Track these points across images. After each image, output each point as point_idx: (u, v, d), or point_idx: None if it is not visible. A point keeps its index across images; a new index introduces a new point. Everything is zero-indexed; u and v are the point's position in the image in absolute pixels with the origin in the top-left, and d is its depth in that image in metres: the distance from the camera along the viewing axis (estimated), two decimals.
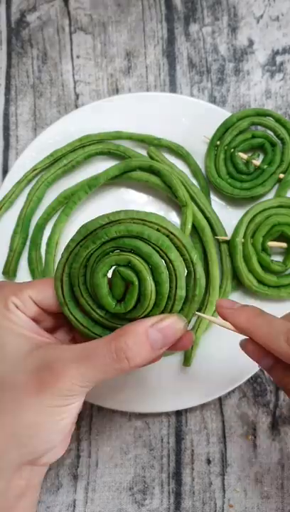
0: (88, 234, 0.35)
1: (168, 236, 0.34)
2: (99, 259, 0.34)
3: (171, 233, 0.34)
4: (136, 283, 0.33)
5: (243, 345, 0.38)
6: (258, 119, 0.55)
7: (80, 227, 0.35)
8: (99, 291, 0.34)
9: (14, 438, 0.33)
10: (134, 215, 0.34)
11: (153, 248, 0.33)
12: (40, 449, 0.34)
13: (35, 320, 0.37)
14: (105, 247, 0.34)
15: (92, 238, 0.34)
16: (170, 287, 0.34)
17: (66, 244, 0.36)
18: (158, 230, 0.34)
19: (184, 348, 0.37)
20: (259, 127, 0.56)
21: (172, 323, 0.34)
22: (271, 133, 0.55)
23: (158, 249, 0.33)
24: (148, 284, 0.33)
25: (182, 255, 0.34)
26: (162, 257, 0.34)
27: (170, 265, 0.34)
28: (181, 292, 0.34)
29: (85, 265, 0.35)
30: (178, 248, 0.34)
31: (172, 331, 0.34)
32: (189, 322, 0.36)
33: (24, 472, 0.35)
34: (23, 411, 0.33)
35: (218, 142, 0.55)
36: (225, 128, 0.55)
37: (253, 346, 0.37)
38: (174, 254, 0.33)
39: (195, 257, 0.34)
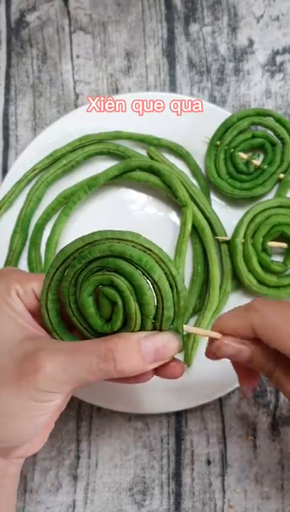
0: (66, 258, 0.34)
1: (144, 252, 0.33)
2: (86, 279, 0.34)
3: (148, 249, 0.33)
4: (120, 303, 0.33)
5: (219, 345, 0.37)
6: (258, 119, 0.54)
7: (58, 253, 0.35)
8: (85, 311, 0.34)
9: None
10: (108, 235, 0.33)
11: (137, 268, 0.33)
12: (11, 441, 0.34)
13: (33, 313, 0.37)
14: (91, 266, 0.34)
15: (78, 259, 0.34)
16: (157, 307, 0.34)
17: (46, 272, 0.36)
18: (133, 247, 0.33)
19: (173, 377, 0.37)
20: (259, 127, 0.56)
21: (165, 339, 0.34)
22: (271, 133, 0.55)
23: (142, 269, 0.33)
24: (131, 304, 0.33)
25: (161, 269, 0.34)
26: (146, 278, 0.33)
27: (155, 286, 0.33)
28: (169, 313, 0.34)
29: (74, 284, 0.34)
30: (157, 263, 0.33)
31: (164, 347, 0.34)
32: (182, 335, 0.35)
33: (6, 474, 0.35)
34: (1, 401, 0.32)
35: (218, 142, 0.55)
36: (225, 128, 0.55)
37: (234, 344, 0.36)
38: (157, 274, 0.33)
39: (174, 270, 0.34)
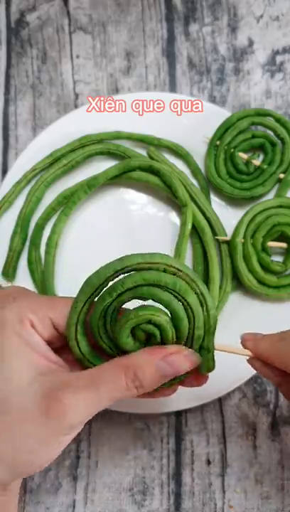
0: (94, 290, 0.34)
1: (175, 274, 0.33)
2: (116, 310, 0.34)
3: (178, 270, 0.34)
4: (158, 335, 0.34)
5: (251, 362, 0.39)
6: (258, 119, 0.54)
7: (83, 285, 0.35)
8: (126, 349, 0.34)
9: (5, 461, 0.33)
10: (139, 260, 0.33)
11: (171, 294, 0.34)
12: (29, 471, 0.34)
13: (48, 341, 0.36)
14: (122, 297, 0.34)
15: (107, 291, 0.34)
16: (189, 328, 0.34)
17: (72, 305, 0.35)
18: (164, 270, 0.33)
19: (193, 385, 0.38)
20: (259, 127, 0.56)
21: (181, 359, 0.34)
22: (271, 133, 0.55)
23: (176, 294, 0.34)
24: (169, 333, 0.34)
25: (191, 289, 0.34)
26: (179, 301, 0.34)
27: (189, 308, 0.34)
28: (199, 331, 0.35)
29: (104, 316, 0.35)
30: (188, 284, 0.34)
31: (181, 366, 0.34)
32: (213, 354, 0.36)
33: (7, 489, 0.34)
34: (23, 436, 0.32)
35: (218, 142, 0.55)
36: (225, 128, 0.55)
37: (260, 364, 0.38)
38: (192, 298, 0.34)
39: (204, 289, 0.34)
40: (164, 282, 0.33)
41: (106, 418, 0.52)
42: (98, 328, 0.35)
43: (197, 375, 0.37)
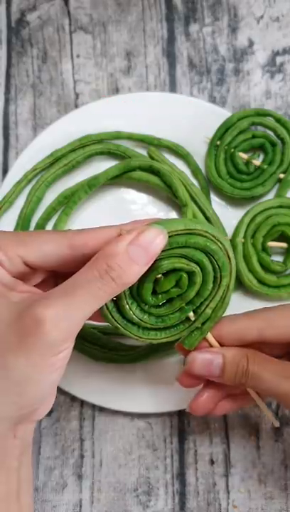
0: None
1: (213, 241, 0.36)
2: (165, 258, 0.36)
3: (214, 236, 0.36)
4: (186, 279, 0.37)
5: (179, 380, 0.42)
6: (258, 119, 0.55)
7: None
8: (152, 275, 0.36)
9: (3, 398, 0.32)
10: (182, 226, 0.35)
11: (213, 265, 0.36)
12: (32, 405, 0.33)
13: (19, 277, 0.36)
14: (174, 251, 0.35)
15: (170, 240, 0.35)
16: (204, 301, 0.38)
17: None
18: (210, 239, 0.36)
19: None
20: (259, 127, 0.56)
21: (150, 237, 0.33)
22: (271, 133, 0.55)
23: (217, 266, 0.36)
24: (197, 278, 0.36)
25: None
26: (215, 272, 0.37)
27: (217, 284, 0.37)
28: (209, 311, 0.38)
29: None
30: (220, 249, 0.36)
31: (153, 245, 0.33)
32: (202, 337, 0.39)
33: (18, 431, 0.34)
34: (9, 369, 0.31)
35: (218, 142, 0.55)
36: (226, 128, 0.55)
37: (186, 378, 0.42)
38: (226, 280, 0.37)
39: (233, 279, 0.38)
40: (213, 251, 0.36)
41: (108, 418, 0.52)
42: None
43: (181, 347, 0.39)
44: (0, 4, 0.62)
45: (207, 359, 0.39)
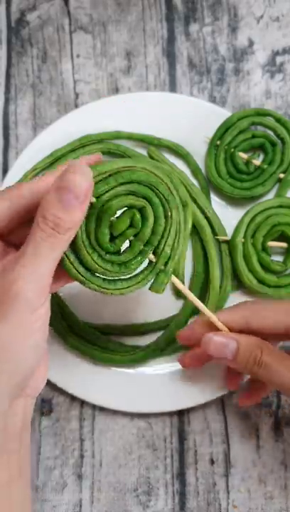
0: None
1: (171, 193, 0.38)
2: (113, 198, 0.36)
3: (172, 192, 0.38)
4: (139, 218, 0.37)
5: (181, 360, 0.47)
6: (258, 119, 0.55)
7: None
8: (104, 246, 0.36)
9: None
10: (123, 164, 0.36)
11: (160, 200, 0.37)
12: (20, 372, 0.33)
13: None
14: (120, 188, 0.36)
15: (114, 176, 0.35)
16: (161, 239, 0.38)
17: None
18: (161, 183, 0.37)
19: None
20: (259, 127, 0.56)
21: (73, 178, 0.32)
22: (271, 133, 0.55)
23: (164, 200, 0.37)
24: (150, 216, 0.37)
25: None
26: (164, 206, 0.37)
27: (169, 219, 0.38)
28: (167, 250, 0.38)
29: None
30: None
31: (77, 184, 0.32)
32: (167, 280, 0.40)
33: (16, 407, 0.34)
34: None
35: (218, 142, 0.55)
36: (226, 128, 0.55)
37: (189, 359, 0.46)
38: (175, 213, 0.38)
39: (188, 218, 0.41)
40: (161, 189, 0.37)
41: (108, 418, 0.52)
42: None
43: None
44: (0, 4, 0.62)
45: (222, 342, 0.42)
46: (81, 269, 0.36)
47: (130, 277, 0.39)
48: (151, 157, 0.55)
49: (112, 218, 0.36)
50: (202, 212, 0.54)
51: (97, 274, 0.37)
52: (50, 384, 0.53)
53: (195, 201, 0.54)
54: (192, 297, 0.43)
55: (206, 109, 0.56)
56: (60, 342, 0.52)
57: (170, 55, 0.60)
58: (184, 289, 0.42)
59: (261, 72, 0.59)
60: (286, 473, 0.50)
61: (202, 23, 0.61)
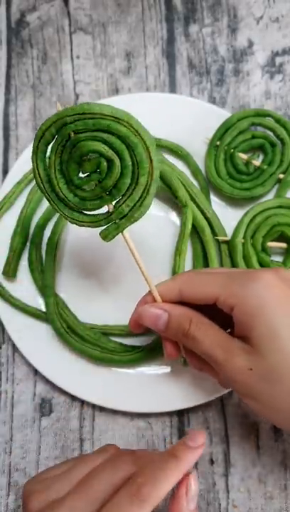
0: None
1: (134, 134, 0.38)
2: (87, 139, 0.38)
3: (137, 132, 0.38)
4: (105, 165, 0.39)
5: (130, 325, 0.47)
6: (258, 120, 0.55)
7: (81, 106, 0.37)
8: (76, 156, 0.38)
9: None
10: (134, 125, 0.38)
11: (132, 160, 0.38)
12: None
13: None
14: (98, 134, 0.38)
15: (97, 120, 0.37)
16: (130, 180, 0.39)
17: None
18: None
19: None
20: (259, 128, 0.56)
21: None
22: (270, 133, 0.55)
23: (136, 162, 0.38)
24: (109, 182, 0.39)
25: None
26: (134, 167, 0.39)
27: (135, 182, 0.39)
28: (129, 205, 0.40)
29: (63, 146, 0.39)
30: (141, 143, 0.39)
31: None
32: (118, 231, 0.41)
33: None
34: None
35: (218, 142, 0.55)
36: (225, 128, 0.55)
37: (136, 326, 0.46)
38: (144, 179, 0.39)
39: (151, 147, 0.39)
40: (131, 141, 0.38)
41: (109, 418, 0.52)
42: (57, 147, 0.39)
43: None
44: (0, 5, 0.63)
45: (155, 314, 0.43)
46: (47, 187, 0.40)
47: (86, 213, 0.42)
48: None
49: (84, 157, 0.39)
50: (202, 212, 0.54)
51: (60, 198, 0.41)
52: (50, 384, 0.53)
53: (194, 202, 0.54)
54: (138, 259, 0.44)
55: (206, 109, 0.56)
56: (60, 342, 0.53)
57: (170, 55, 0.60)
58: (133, 249, 0.44)
59: (261, 73, 0.59)
60: (285, 474, 0.50)
61: (202, 23, 0.61)
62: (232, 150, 0.55)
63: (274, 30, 0.60)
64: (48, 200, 0.41)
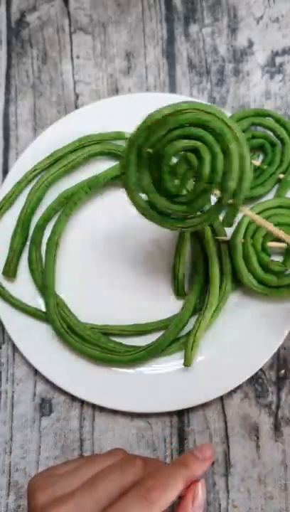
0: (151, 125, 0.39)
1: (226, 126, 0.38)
2: (166, 145, 0.39)
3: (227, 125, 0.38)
4: (196, 164, 0.39)
5: None
6: (258, 120, 0.55)
7: (142, 124, 0.40)
8: (168, 188, 0.40)
9: None
10: (197, 106, 0.38)
11: (215, 137, 0.38)
12: None
13: None
14: (170, 135, 0.38)
15: (161, 125, 0.38)
16: (223, 175, 0.39)
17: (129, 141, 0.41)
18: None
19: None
20: (259, 127, 0.56)
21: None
22: (270, 133, 0.55)
23: (219, 136, 0.38)
24: (206, 159, 0.39)
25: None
26: (220, 143, 0.38)
27: (228, 153, 0.38)
28: (232, 183, 0.39)
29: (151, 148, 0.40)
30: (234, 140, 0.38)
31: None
32: (236, 212, 0.41)
33: None
34: None
35: None
36: None
37: None
38: (233, 146, 0.38)
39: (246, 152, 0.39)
40: (212, 127, 0.38)
41: (109, 418, 0.52)
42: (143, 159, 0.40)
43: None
44: (0, 5, 0.63)
45: None
46: (152, 213, 0.42)
47: (199, 215, 0.42)
48: None
49: (171, 163, 0.40)
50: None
51: (167, 214, 0.42)
52: (50, 384, 0.53)
53: None
54: (263, 221, 0.44)
55: None
56: (60, 342, 0.53)
57: (170, 55, 0.60)
58: (258, 218, 0.44)
59: (261, 73, 0.59)
60: (285, 474, 0.50)
61: (202, 23, 0.61)
62: None
63: (273, 30, 0.60)
64: (159, 223, 0.42)
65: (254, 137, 0.55)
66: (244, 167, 0.39)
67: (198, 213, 0.42)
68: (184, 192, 0.41)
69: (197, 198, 0.40)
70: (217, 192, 0.40)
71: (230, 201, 0.40)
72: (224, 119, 0.38)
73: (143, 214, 0.42)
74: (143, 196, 0.42)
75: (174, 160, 0.40)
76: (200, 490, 0.38)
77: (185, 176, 0.40)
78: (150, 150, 0.39)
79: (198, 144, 0.38)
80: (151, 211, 0.41)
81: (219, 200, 0.40)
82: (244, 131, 0.55)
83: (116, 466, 0.38)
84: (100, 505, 0.35)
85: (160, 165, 0.39)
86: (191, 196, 0.40)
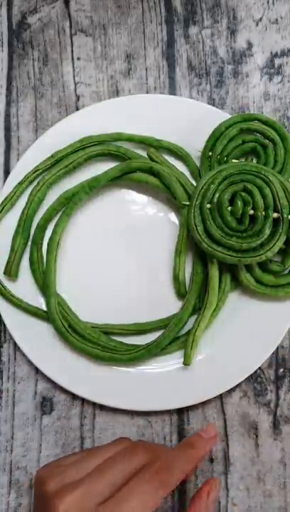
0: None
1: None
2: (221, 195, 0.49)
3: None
4: (250, 201, 0.48)
5: None
6: (246, 125, 0.54)
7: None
8: (228, 222, 0.48)
9: None
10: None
11: (255, 175, 0.49)
12: None
13: None
14: (221, 186, 0.50)
15: (212, 182, 0.50)
16: (274, 199, 0.48)
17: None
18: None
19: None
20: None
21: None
22: (260, 136, 0.55)
23: (258, 174, 0.49)
24: (257, 197, 0.48)
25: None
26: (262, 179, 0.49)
27: (269, 182, 0.48)
28: (283, 201, 0.48)
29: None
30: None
31: None
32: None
33: None
34: None
35: (210, 153, 0.55)
36: (215, 138, 0.54)
37: None
38: (271, 175, 0.49)
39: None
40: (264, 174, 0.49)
41: (109, 416, 0.53)
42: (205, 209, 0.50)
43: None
44: (1, 7, 0.63)
45: None
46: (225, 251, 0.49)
47: (263, 244, 0.48)
48: (151, 158, 0.55)
49: (229, 208, 0.49)
50: None
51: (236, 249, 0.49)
52: (51, 382, 0.53)
53: None
54: None
55: (205, 111, 0.57)
56: (61, 341, 0.53)
57: (170, 57, 0.61)
58: None
59: (260, 75, 0.60)
60: (284, 472, 0.50)
61: (202, 25, 0.61)
62: (225, 158, 0.54)
63: (273, 31, 0.60)
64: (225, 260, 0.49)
65: (244, 142, 0.55)
66: (286, 187, 0.48)
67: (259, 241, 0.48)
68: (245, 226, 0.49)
69: (262, 226, 0.47)
70: (276, 214, 0.48)
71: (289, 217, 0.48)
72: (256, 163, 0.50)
73: (223, 259, 0.49)
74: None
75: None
76: (217, 485, 0.41)
77: (245, 212, 0.48)
78: (209, 205, 0.49)
79: (244, 185, 0.48)
80: (228, 251, 0.48)
81: (281, 219, 0.47)
82: (233, 138, 0.55)
83: (123, 453, 0.39)
84: (110, 489, 0.35)
85: (221, 212, 0.48)
86: (257, 227, 0.48)
